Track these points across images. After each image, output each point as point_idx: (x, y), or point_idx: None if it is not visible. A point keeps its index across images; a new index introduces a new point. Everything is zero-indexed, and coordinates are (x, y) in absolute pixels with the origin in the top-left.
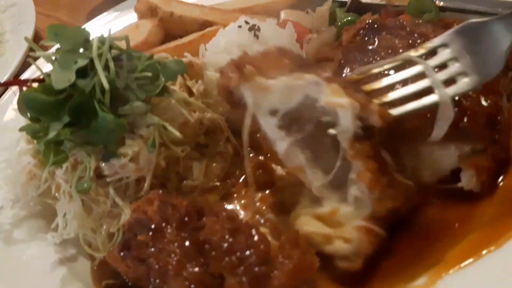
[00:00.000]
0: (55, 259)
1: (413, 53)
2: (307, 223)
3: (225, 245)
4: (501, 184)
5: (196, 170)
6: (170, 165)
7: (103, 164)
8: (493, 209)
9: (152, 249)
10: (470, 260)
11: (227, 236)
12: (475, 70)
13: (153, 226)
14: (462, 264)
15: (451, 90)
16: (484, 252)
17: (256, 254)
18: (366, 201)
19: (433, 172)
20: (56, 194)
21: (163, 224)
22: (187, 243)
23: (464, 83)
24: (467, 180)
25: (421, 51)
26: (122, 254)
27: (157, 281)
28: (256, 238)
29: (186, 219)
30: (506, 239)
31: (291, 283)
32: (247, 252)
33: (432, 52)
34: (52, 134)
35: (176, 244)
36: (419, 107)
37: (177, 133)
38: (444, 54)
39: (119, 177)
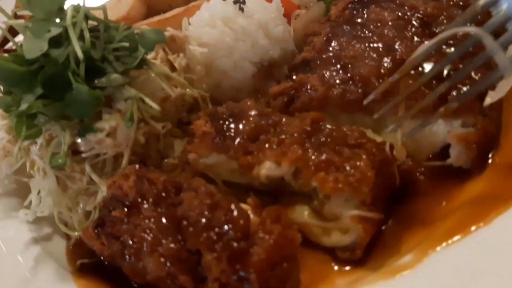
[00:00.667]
0: (29, 238)
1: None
2: (303, 215)
3: (203, 220)
4: (491, 159)
5: (178, 148)
6: (150, 142)
7: (78, 140)
8: (483, 185)
9: (127, 225)
10: (458, 236)
11: (205, 212)
12: None
13: (128, 202)
14: (450, 241)
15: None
16: (472, 228)
17: (235, 229)
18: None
19: (421, 149)
20: (31, 172)
21: (139, 200)
22: (163, 219)
23: None
24: (457, 156)
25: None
26: (96, 231)
27: (132, 258)
28: (235, 213)
29: (163, 194)
30: (495, 216)
31: (272, 259)
32: (226, 228)
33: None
34: (24, 106)
35: (152, 220)
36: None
37: (155, 106)
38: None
39: (95, 153)
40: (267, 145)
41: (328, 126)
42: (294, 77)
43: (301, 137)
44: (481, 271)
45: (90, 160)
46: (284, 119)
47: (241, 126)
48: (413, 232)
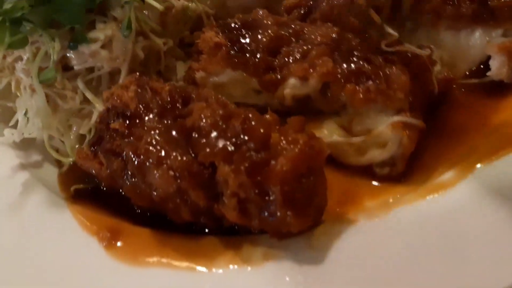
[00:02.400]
0: (17, 163)
1: None
2: (332, 134)
3: (217, 131)
4: None
5: (180, 70)
6: (150, 60)
7: (70, 53)
8: None
9: (129, 139)
10: (502, 153)
11: (219, 122)
12: None
13: (129, 113)
14: (494, 157)
15: None
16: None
17: (255, 139)
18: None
19: (457, 65)
20: (17, 92)
21: (142, 110)
22: (170, 131)
23: None
24: (498, 68)
25: None
26: (93, 149)
27: (135, 175)
28: (253, 121)
29: (169, 105)
30: None
31: (297, 171)
32: (243, 137)
33: None
34: (7, 6)
35: (157, 131)
36: None
37: (158, 5)
38: None
39: (89, 67)
40: (291, 59)
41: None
42: None
43: (328, 47)
44: None
45: (83, 76)
46: (306, 28)
47: (259, 37)
48: (453, 148)
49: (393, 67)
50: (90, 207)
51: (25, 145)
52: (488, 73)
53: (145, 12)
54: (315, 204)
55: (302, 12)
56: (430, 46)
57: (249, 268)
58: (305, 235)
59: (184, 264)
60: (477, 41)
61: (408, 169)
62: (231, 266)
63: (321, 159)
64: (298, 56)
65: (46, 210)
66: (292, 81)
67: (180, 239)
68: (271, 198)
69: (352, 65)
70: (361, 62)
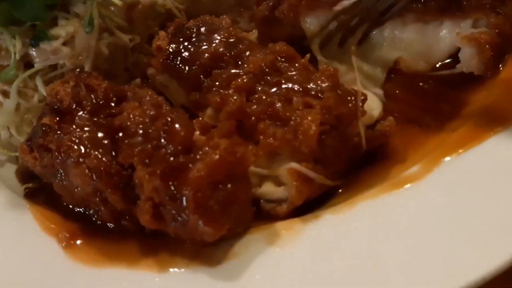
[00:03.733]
0: None
1: None
2: None
3: (141, 132)
4: (506, 63)
5: None
6: (116, 57)
7: (31, 51)
8: (497, 92)
9: (57, 135)
10: (469, 146)
11: (145, 123)
12: None
13: (61, 109)
14: (460, 150)
15: None
16: (489, 134)
17: (174, 142)
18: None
19: (427, 57)
20: None
21: (74, 107)
22: (97, 129)
23: None
24: (468, 60)
25: None
26: (29, 143)
27: (61, 172)
28: (176, 124)
29: (102, 102)
30: (508, 124)
31: (214, 177)
32: (164, 140)
33: None
34: None
35: (84, 129)
36: None
37: (117, 1)
38: None
39: (51, 64)
40: (216, 84)
41: (293, 64)
42: None
43: (253, 79)
44: (494, 179)
45: (45, 74)
46: (248, 52)
47: (201, 49)
48: (420, 143)
49: (309, 116)
50: (49, 206)
51: None
52: (458, 66)
53: (111, 8)
54: (232, 212)
55: (270, 4)
56: (365, 94)
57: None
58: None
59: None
60: (446, 33)
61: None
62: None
63: (244, 167)
64: (222, 83)
65: (6, 211)
66: (209, 110)
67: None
68: (184, 204)
69: (268, 104)
70: (279, 103)
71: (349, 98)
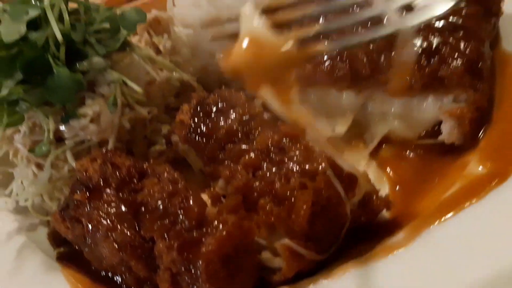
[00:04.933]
0: (14, 228)
1: None
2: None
3: (160, 207)
4: (483, 134)
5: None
6: (136, 128)
7: (62, 126)
8: (475, 161)
9: (88, 209)
10: (451, 213)
11: (163, 199)
12: None
13: (91, 186)
14: (443, 218)
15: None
16: (466, 204)
17: (189, 218)
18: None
19: (413, 127)
20: (14, 160)
21: (102, 184)
22: (122, 205)
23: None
24: (449, 133)
25: None
26: (62, 214)
27: (91, 243)
28: (191, 201)
29: (126, 179)
30: (487, 192)
31: (223, 250)
32: (179, 215)
33: None
34: (4, 92)
35: (111, 204)
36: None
37: (138, 89)
38: None
39: (79, 140)
40: (227, 158)
41: (296, 144)
42: None
43: (259, 156)
44: (474, 247)
45: (72, 147)
46: (260, 128)
47: (218, 126)
48: (406, 210)
49: (302, 197)
50: (81, 269)
51: (23, 208)
52: (440, 137)
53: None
54: (239, 279)
55: None
56: (356, 176)
57: None
58: None
59: None
60: (430, 107)
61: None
62: None
63: (249, 239)
64: (233, 158)
65: (41, 274)
66: (220, 181)
67: None
68: (198, 274)
69: (269, 182)
70: (278, 182)
71: (340, 180)
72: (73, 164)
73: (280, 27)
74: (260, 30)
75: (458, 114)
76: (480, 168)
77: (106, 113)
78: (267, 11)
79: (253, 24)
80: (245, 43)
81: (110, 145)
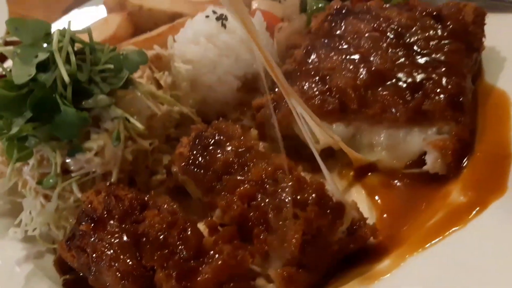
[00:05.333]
0: (22, 255)
1: None
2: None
3: (160, 238)
4: (465, 164)
5: (165, 163)
6: (139, 158)
7: (68, 160)
8: (458, 190)
9: (93, 240)
10: (435, 240)
11: (163, 230)
12: None
13: (96, 217)
14: (427, 245)
15: None
16: (448, 232)
17: (187, 248)
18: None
19: (400, 157)
20: (23, 191)
21: (106, 215)
22: (125, 235)
23: None
24: (433, 163)
25: None
26: (68, 243)
27: (95, 271)
28: (189, 232)
29: (128, 211)
30: (469, 219)
31: (218, 279)
32: (178, 246)
33: None
34: (14, 130)
35: (114, 235)
36: None
37: (139, 126)
38: None
39: (85, 172)
40: (224, 189)
41: (288, 176)
42: (277, 89)
43: (253, 187)
44: (457, 273)
45: (78, 179)
46: (255, 160)
47: (215, 157)
48: (392, 237)
49: (293, 227)
50: None
51: (30, 236)
52: (425, 167)
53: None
54: None
55: (267, 112)
56: (344, 205)
57: None
58: None
59: None
60: (415, 138)
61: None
62: None
63: (243, 267)
64: (229, 189)
65: None
66: (218, 211)
67: None
68: None
69: (263, 212)
70: (271, 212)
71: (329, 211)
72: (79, 195)
73: None
74: None
75: (441, 146)
76: (462, 197)
77: (110, 146)
78: None
79: None
80: None
81: (114, 177)
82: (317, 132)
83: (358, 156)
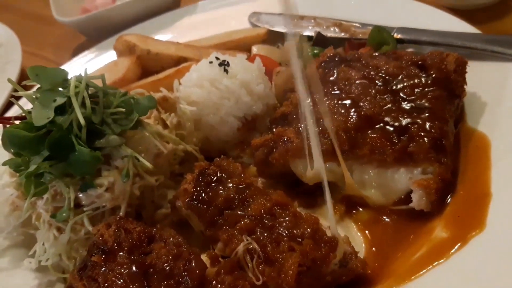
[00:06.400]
0: (35, 284)
1: None
2: None
3: (167, 269)
4: (449, 202)
5: (170, 198)
6: (145, 193)
7: (80, 194)
8: (442, 225)
9: (103, 270)
10: (420, 273)
11: (169, 261)
12: None
13: (106, 249)
14: (413, 277)
15: None
16: (432, 265)
17: (191, 278)
18: None
19: (387, 194)
20: (36, 223)
21: (116, 247)
22: (133, 266)
23: None
24: (418, 201)
25: None
26: (80, 273)
27: None
28: (193, 263)
29: (137, 243)
30: (453, 253)
31: None
32: (183, 276)
33: None
34: (32, 167)
35: (124, 266)
36: None
37: (148, 164)
38: None
39: (95, 206)
40: (225, 223)
41: (285, 211)
42: (274, 129)
43: (253, 222)
44: None
45: (90, 212)
46: (254, 196)
47: (217, 194)
48: (380, 269)
49: (290, 259)
50: None
51: (42, 266)
52: (410, 204)
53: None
54: None
55: (265, 151)
56: (337, 239)
57: None
58: None
59: None
60: (402, 177)
61: None
62: None
63: None
64: (230, 223)
65: None
66: (219, 244)
67: None
68: None
69: (262, 245)
70: (273, 242)
71: (323, 244)
72: (90, 228)
73: None
74: None
75: (426, 185)
76: (445, 233)
77: (119, 183)
78: None
79: None
80: None
81: (122, 211)
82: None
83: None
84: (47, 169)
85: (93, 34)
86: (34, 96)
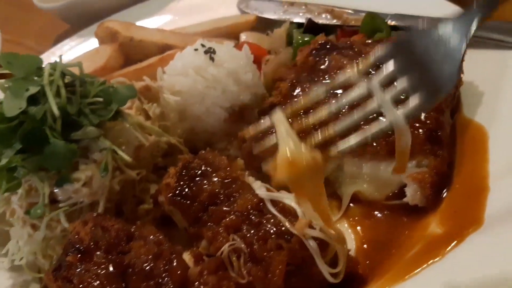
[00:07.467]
0: (8, 285)
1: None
2: None
3: (146, 269)
4: (444, 196)
5: (153, 192)
6: (126, 188)
7: (56, 190)
8: (437, 221)
9: (79, 270)
10: (414, 272)
11: (149, 261)
12: (427, 86)
13: (82, 248)
14: (407, 276)
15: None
16: (427, 263)
17: (172, 279)
18: None
19: (381, 189)
20: (11, 220)
21: (92, 246)
22: (111, 266)
23: (415, 103)
24: (412, 195)
25: (362, 67)
26: (54, 274)
27: None
28: (174, 263)
29: (115, 241)
30: (448, 250)
31: None
32: (164, 277)
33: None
34: (4, 161)
35: (100, 266)
36: (370, 136)
37: (127, 158)
38: (388, 69)
39: (72, 202)
40: (210, 220)
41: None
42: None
43: (239, 218)
44: None
45: (67, 208)
46: (240, 191)
47: (201, 188)
48: (372, 267)
49: (277, 258)
50: None
51: (16, 266)
52: (404, 199)
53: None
54: None
55: (253, 142)
56: (330, 241)
57: None
58: None
59: None
60: None
61: None
62: None
63: None
64: (215, 219)
65: None
66: (203, 242)
67: None
68: None
69: (248, 243)
70: (259, 240)
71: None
72: (66, 225)
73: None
74: (295, 150)
75: (420, 179)
76: (440, 229)
77: (97, 177)
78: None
79: (289, 144)
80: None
81: (101, 207)
82: None
83: None
84: (19, 163)
85: (76, 22)
86: (5, 85)
